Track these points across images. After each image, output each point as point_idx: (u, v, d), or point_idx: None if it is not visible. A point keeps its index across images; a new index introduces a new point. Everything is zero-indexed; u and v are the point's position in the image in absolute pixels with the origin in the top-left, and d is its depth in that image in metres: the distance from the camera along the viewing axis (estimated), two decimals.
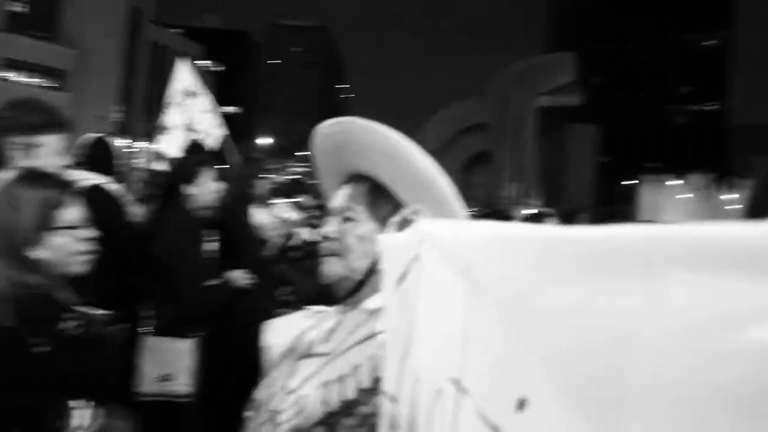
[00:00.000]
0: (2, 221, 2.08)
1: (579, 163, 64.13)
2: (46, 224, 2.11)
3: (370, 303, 1.47)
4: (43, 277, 2.07)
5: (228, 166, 4.62)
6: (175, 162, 5.08)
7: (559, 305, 0.65)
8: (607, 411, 0.57)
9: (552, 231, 0.70)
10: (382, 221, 1.43)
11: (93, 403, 2.02)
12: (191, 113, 6.83)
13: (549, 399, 0.65)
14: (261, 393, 1.60)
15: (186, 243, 3.98)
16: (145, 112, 41.39)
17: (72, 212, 2.17)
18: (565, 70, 51.92)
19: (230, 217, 4.46)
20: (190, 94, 6.93)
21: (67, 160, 3.02)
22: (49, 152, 2.88)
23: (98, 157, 4.71)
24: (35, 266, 2.07)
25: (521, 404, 0.70)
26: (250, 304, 4.03)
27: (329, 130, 1.62)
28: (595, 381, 0.59)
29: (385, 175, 1.55)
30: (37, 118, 2.92)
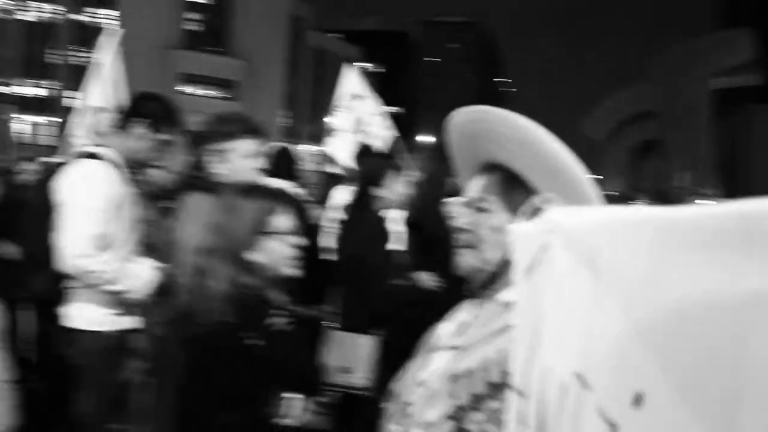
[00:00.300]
0: (224, 227, 2.29)
1: (764, 148, 59.22)
2: (261, 230, 2.30)
3: (505, 295, 1.43)
4: (258, 278, 2.28)
5: (408, 167, 4.72)
6: (361, 166, 5.24)
7: (676, 294, 0.60)
8: (724, 411, 0.51)
9: (670, 211, 0.64)
10: (516, 211, 1.38)
11: (302, 396, 2.20)
12: (359, 116, 7.01)
13: (666, 395, 0.60)
14: (397, 385, 1.61)
15: (374, 244, 4.14)
16: (309, 116, 43.06)
17: (283, 220, 2.35)
18: (741, 47, 48.25)
19: (425, 217, 4.57)
20: (358, 97, 7.12)
21: (261, 163, 3.27)
22: (240, 156, 3.18)
23: (282, 164, 5.01)
24: (251, 268, 2.27)
25: (638, 399, 0.65)
26: (437, 305, 4.09)
27: (462, 119, 1.59)
28: (713, 378, 0.53)
29: (519, 164, 1.50)
30: (228, 126, 3.26)
